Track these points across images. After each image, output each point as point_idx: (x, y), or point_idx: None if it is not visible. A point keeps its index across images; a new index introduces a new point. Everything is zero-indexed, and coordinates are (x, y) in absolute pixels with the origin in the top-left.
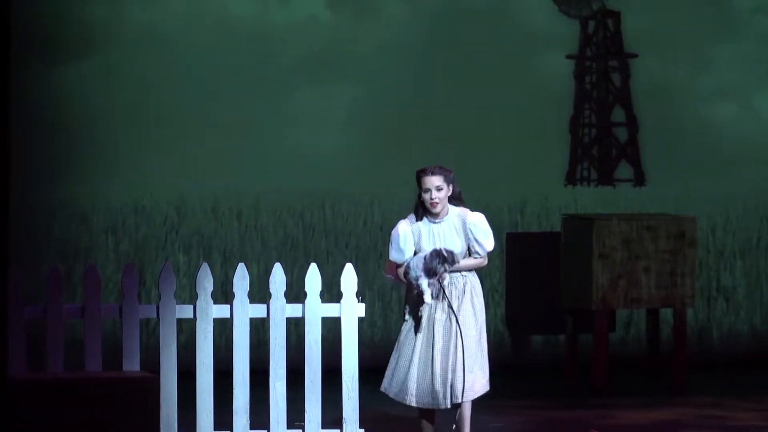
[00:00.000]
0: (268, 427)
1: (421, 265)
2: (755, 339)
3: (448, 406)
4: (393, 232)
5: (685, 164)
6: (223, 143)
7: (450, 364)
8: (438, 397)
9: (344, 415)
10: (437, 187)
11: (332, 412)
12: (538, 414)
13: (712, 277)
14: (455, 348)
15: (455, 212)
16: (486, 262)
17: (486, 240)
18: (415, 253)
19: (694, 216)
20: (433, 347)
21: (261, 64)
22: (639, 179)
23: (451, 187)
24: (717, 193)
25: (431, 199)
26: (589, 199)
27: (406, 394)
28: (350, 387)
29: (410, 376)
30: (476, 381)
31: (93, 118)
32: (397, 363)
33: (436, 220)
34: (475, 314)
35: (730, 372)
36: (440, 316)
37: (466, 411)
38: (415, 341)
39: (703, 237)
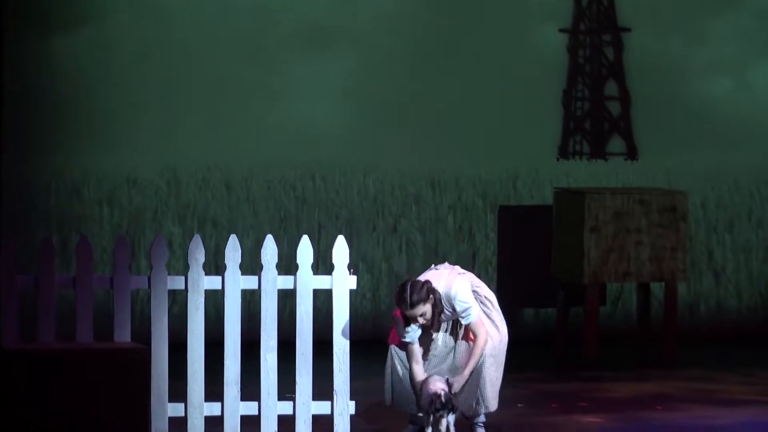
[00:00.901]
0: (258, 399)
1: (423, 402)
2: (745, 313)
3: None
4: (394, 314)
5: (678, 138)
6: (217, 114)
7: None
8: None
9: (335, 387)
10: (422, 315)
11: (323, 384)
12: (528, 387)
13: (702, 251)
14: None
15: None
16: (482, 340)
17: (467, 314)
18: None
19: (686, 190)
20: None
21: (256, 35)
22: (631, 153)
23: (431, 299)
24: (709, 167)
25: (419, 324)
26: (581, 172)
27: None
28: (341, 359)
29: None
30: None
31: (86, 88)
32: (398, 377)
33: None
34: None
35: (720, 346)
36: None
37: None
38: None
39: (695, 211)
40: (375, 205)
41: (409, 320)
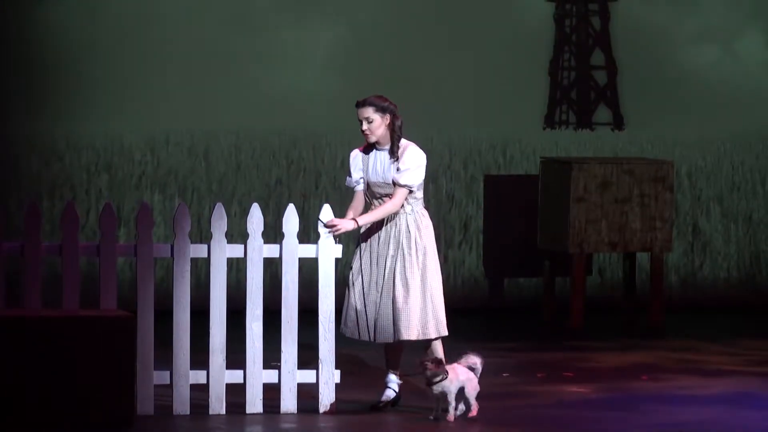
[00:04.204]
0: (244, 367)
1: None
2: (730, 283)
3: (390, 341)
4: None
5: (664, 108)
6: (203, 83)
7: (389, 301)
8: (380, 332)
9: (320, 355)
10: (367, 118)
11: (308, 353)
12: (514, 356)
13: (688, 221)
14: (395, 286)
15: (400, 143)
16: (394, 205)
17: (406, 172)
18: (363, 180)
19: (672, 160)
20: (377, 283)
21: (242, 4)
22: (617, 123)
23: (388, 117)
24: (695, 137)
25: (362, 130)
26: (567, 142)
27: (357, 329)
28: (326, 328)
29: (357, 312)
30: (412, 322)
31: (72, 55)
32: (348, 302)
33: (380, 148)
34: (418, 254)
35: (705, 316)
36: (383, 251)
37: (437, 348)
38: (361, 278)
39: (681, 181)
40: None
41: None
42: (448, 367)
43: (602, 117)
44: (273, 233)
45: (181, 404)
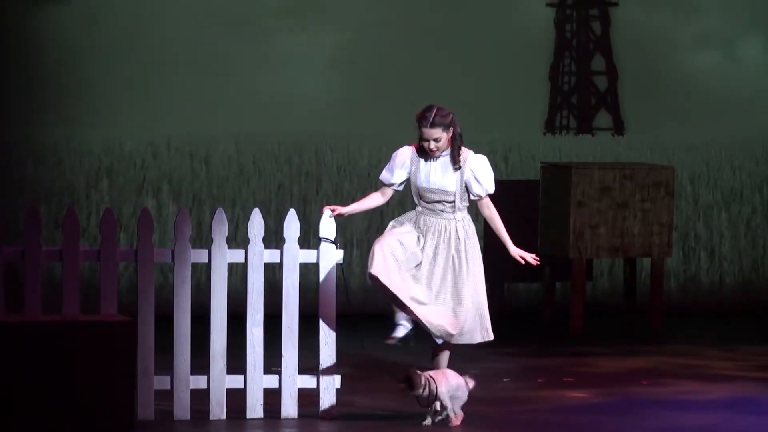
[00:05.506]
0: (244, 372)
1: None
2: (730, 288)
3: (438, 343)
4: (394, 153)
5: (665, 113)
6: (204, 87)
7: (452, 304)
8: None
9: (321, 361)
10: (436, 139)
11: (309, 358)
12: (514, 361)
13: (690, 227)
14: (463, 292)
15: (457, 151)
16: (496, 212)
17: (489, 181)
18: (408, 180)
19: (673, 165)
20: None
21: (244, 8)
22: (618, 128)
23: (451, 130)
24: (696, 142)
25: (430, 148)
26: (568, 147)
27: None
28: (327, 333)
29: (420, 303)
30: (484, 323)
31: (73, 60)
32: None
33: (438, 155)
34: (476, 258)
35: (705, 321)
36: (441, 252)
37: (444, 358)
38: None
39: (682, 186)
40: (369, 178)
41: (421, 148)
42: (439, 372)
43: (603, 122)
44: (274, 238)
45: (182, 409)
